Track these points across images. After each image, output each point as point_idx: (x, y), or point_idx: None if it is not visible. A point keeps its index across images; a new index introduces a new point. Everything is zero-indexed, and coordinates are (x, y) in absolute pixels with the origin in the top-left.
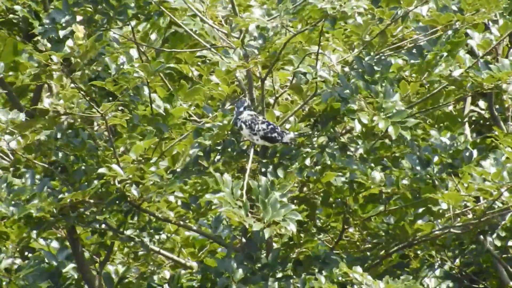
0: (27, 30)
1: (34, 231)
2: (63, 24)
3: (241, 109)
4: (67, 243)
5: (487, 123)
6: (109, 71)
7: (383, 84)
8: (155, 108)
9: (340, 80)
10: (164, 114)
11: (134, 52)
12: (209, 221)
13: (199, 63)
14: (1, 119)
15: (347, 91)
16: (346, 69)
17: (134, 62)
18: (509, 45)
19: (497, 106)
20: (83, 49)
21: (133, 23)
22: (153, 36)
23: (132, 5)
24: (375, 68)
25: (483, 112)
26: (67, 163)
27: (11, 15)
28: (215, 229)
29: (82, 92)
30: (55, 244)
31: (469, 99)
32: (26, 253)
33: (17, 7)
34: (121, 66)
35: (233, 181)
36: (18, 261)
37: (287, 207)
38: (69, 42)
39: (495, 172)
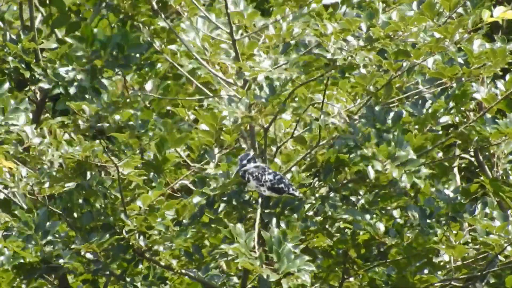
0: (18, 80)
1: (25, 281)
2: (68, 79)
3: (245, 161)
4: None
5: (477, 170)
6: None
7: (395, 133)
8: (146, 158)
9: (352, 127)
10: (154, 163)
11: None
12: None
13: (196, 108)
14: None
15: (360, 138)
16: (357, 116)
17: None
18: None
19: (486, 153)
20: (117, 105)
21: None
22: (148, 86)
23: (137, 55)
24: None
25: (472, 159)
26: (75, 207)
27: (3, 65)
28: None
29: (102, 142)
30: None
31: (458, 149)
32: None
33: (9, 58)
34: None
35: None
36: None
37: (302, 258)
38: (104, 97)
39: (500, 226)
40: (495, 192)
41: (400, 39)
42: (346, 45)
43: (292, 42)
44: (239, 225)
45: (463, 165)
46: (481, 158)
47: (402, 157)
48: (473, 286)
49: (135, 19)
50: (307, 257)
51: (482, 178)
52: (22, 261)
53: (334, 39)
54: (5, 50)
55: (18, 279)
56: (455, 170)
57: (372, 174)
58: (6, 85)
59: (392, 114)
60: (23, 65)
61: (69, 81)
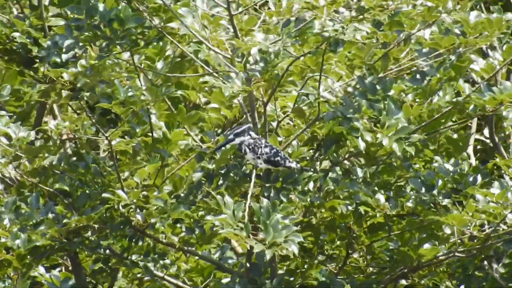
0: (26, 58)
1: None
2: (65, 48)
3: (238, 131)
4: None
5: (493, 152)
6: (110, 96)
7: (386, 102)
8: (155, 136)
9: (343, 100)
10: (164, 140)
11: (137, 82)
12: (215, 248)
13: (206, 89)
14: (12, 137)
15: (351, 110)
16: (349, 89)
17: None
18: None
19: (502, 135)
20: (96, 69)
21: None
22: (159, 64)
23: (134, 30)
24: (377, 87)
25: (488, 140)
26: (71, 188)
27: (10, 43)
28: (219, 258)
29: (88, 114)
30: (57, 274)
31: (474, 127)
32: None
33: (15, 34)
34: (128, 90)
35: (234, 203)
36: None
37: (289, 228)
38: (82, 61)
39: (499, 193)
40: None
41: (391, 9)
42: (338, 16)
43: (292, 19)
44: (227, 197)
45: (479, 147)
46: (496, 139)
47: (392, 125)
48: (489, 266)
49: None
50: (295, 228)
51: (497, 159)
52: (37, 243)
53: (326, 11)
54: (13, 28)
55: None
56: (470, 149)
57: (362, 145)
58: None
59: (383, 85)
60: (30, 41)
61: (66, 48)
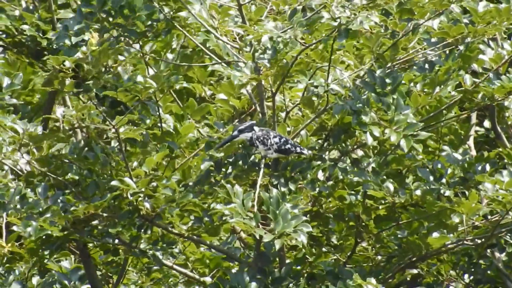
0: (36, 50)
1: (47, 252)
2: (76, 32)
3: (242, 127)
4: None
5: (493, 142)
6: (117, 85)
7: (394, 97)
8: (165, 127)
9: (352, 93)
10: (173, 132)
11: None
12: (221, 241)
13: (212, 82)
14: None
15: (359, 104)
16: (358, 82)
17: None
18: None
19: (503, 126)
20: (96, 55)
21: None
22: (169, 56)
23: (144, 18)
24: (387, 80)
25: (487, 132)
26: (80, 177)
27: (19, 36)
28: (227, 248)
29: (94, 102)
30: (67, 265)
31: (474, 119)
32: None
33: (25, 27)
34: (134, 77)
35: (244, 193)
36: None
37: (298, 218)
38: (83, 49)
39: (509, 181)
40: None
41: None
42: (349, 4)
43: (299, 7)
44: (237, 186)
45: (480, 139)
46: (499, 129)
47: (401, 121)
48: (492, 255)
49: None
50: (304, 217)
51: (500, 149)
52: (49, 232)
53: None
54: (22, 20)
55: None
56: (471, 140)
57: (370, 140)
58: None
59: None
60: (40, 34)
61: (75, 33)
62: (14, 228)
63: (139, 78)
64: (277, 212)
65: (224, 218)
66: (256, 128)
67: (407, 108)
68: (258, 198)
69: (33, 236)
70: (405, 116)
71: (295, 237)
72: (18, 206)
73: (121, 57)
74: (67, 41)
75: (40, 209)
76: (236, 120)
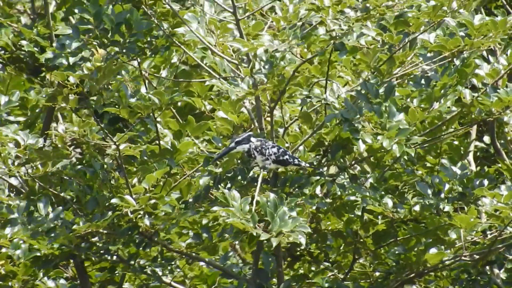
0: (34, 66)
1: (41, 270)
2: (73, 51)
3: (239, 139)
4: (75, 283)
5: (492, 158)
6: (117, 102)
7: (386, 105)
8: (163, 144)
9: (345, 103)
10: (171, 150)
11: (143, 89)
12: (218, 259)
13: (212, 97)
14: (20, 144)
15: (351, 112)
16: (353, 93)
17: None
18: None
19: (502, 141)
20: (101, 71)
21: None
22: (164, 73)
23: (142, 36)
24: (380, 90)
25: (487, 146)
26: (80, 193)
27: (18, 51)
28: (224, 265)
29: (96, 119)
30: (63, 282)
31: (473, 134)
32: None
33: (23, 42)
34: (137, 94)
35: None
36: None
37: (296, 220)
38: (88, 65)
39: (508, 194)
40: None
41: (398, 8)
42: (344, 17)
43: (299, 24)
44: (234, 191)
45: (478, 154)
46: (498, 145)
47: (393, 127)
48: (490, 271)
49: (145, 3)
50: (302, 219)
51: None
52: (38, 254)
53: (332, 12)
54: (20, 36)
55: (34, 269)
56: (471, 155)
57: (362, 147)
58: None
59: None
60: (37, 50)
61: (73, 52)
62: (3, 250)
63: (142, 94)
64: (275, 214)
65: (221, 218)
66: (253, 139)
67: (399, 115)
68: (256, 204)
69: (22, 258)
70: (397, 122)
71: (294, 237)
72: (26, 223)
73: (119, 75)
74: (64, 61)
75: (46, 226)
76: (232, 135)
